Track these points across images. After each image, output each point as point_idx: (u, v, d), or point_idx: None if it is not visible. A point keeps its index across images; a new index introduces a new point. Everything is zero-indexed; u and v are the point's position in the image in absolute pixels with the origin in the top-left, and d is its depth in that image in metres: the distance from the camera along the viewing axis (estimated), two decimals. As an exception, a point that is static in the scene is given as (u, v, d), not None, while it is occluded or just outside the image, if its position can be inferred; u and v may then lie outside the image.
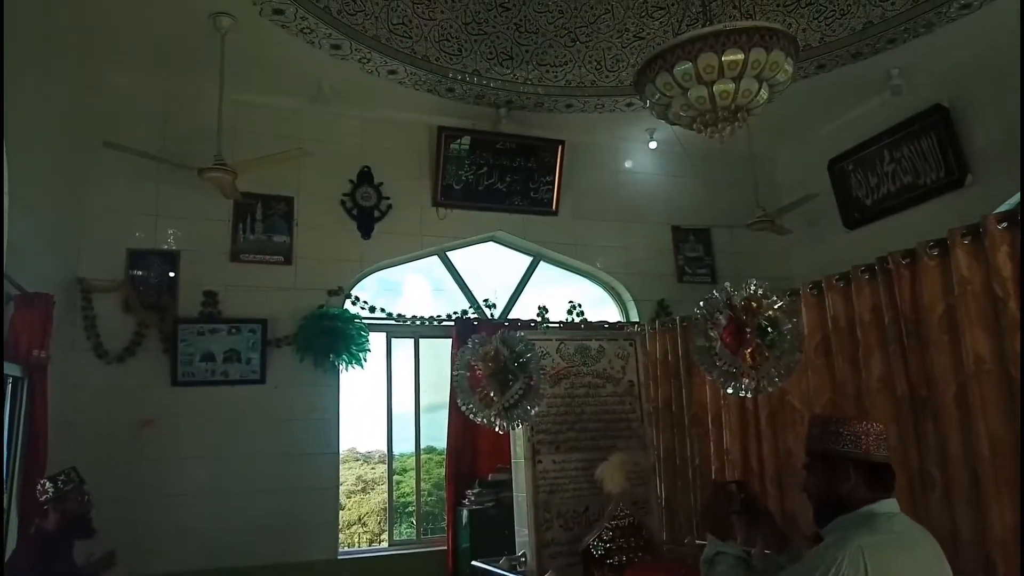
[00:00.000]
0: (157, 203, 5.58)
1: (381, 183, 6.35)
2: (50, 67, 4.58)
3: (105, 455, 4.89)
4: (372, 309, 6.11)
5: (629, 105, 6.34)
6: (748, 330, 3.20)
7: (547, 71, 6.18)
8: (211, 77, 5.05)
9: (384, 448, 6.32)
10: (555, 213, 6.92)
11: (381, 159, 6.40)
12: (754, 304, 3.19)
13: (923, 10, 5.12)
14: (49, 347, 4.13)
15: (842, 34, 5.55)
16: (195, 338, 5.44)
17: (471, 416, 3.66)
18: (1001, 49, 5.28)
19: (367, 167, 6.35)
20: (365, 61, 5.55)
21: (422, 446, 6.37)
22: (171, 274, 5.51)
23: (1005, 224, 2.98)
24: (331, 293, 5.95)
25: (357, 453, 9.14)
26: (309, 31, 5.11)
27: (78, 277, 5.21)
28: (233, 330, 5.54)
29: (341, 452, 5.95)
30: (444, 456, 6.26)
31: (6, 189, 3.72)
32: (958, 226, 3.15)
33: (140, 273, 5.43)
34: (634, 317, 6.99)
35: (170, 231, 5.60)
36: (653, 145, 7.08)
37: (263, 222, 5.86)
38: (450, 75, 5.90)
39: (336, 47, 5.33)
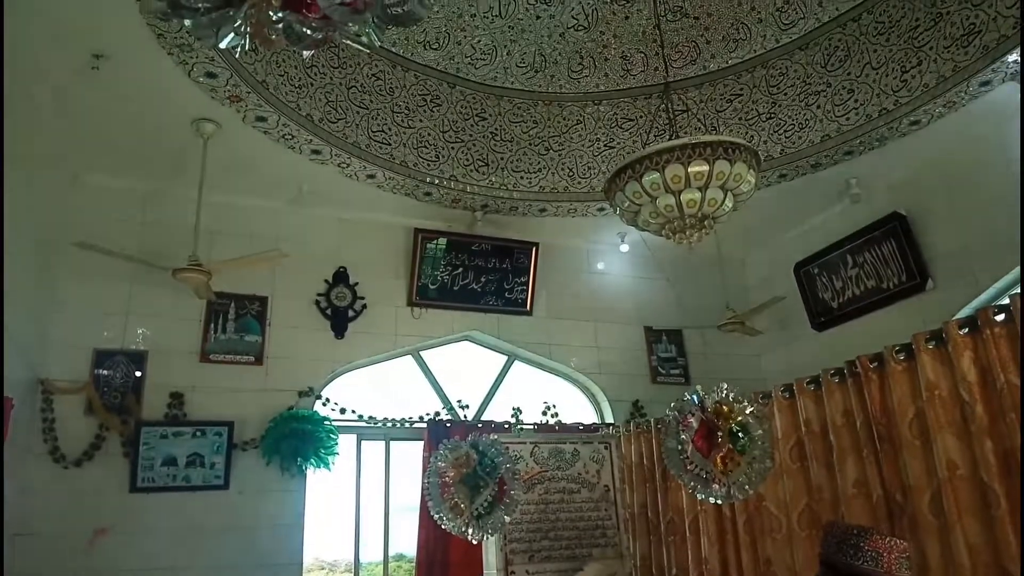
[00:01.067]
0: (128, 302, 5.54)
1: (356, 283, 6.38)
2: (28, 167, 4.63)
3: (60, 567, 4.62)
4: (343, 411, 5.99)
5: (601, 210, 6.53)
6: (720, 434, 3.19)
7: (521, 177, 6.38)
8: (190, 179, 5.14)
9: (351, 556, 6.04)
10: (529, 313, 6.97)
11: (357, 259, 6.46)
12: (725, 408, 3.19)
13: (876, 125, 5.43)
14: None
15: (801, 146, 5.84)
16: (158, 441, 5.26)
17: (442, 525, 3.54)
18: (953, 161, 5.58)
19: (343, 268, 6.40)
20: (344, 166, 5.70)
21: (391, 552, 6.10)
22: (137, 374, 5.39)
23: (966, 330, 3.05)
24: (301, 394, 5.84)
25: (322, 562, 8.71)
26: (290, 137, 5.26)
27: (40, 378, 5.07)
28: (198, 433, 5.38)
29: (305, 562, 5.68)
30: (414, 566, 6.00)
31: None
32: (922, 331, 3.22)
33: (106, 373, 5.31)
34: (609, 418, 6.93)
35: (139, 331, 5.52)
36: (624, 248, 7.25)
37: (235, 321, 5.82)
38: (428, 180, 6.06)
39: (316, 152, 5.48)
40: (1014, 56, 4.56)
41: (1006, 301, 3.04)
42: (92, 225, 5.38)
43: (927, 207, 5.91)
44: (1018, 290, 4.67)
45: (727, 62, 5.90)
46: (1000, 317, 3.00)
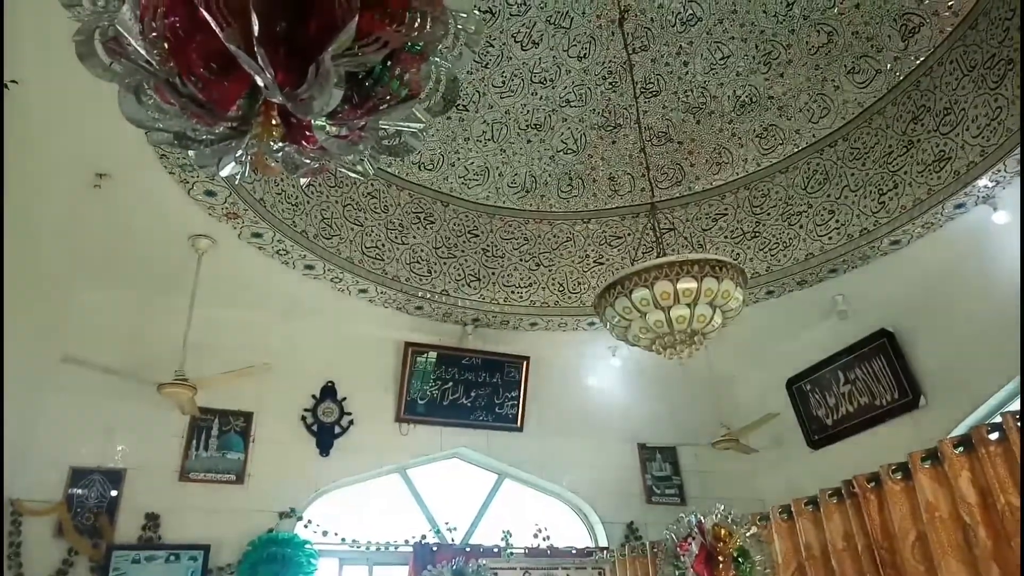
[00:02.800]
0: (109, 417, 5.41)
1: (344, 398, 6.29)
2: (20, 281, 4.65)
3: None
4: (324, 533, 5.74)
5: (591, 324, 6.56)
6: (720, 559, 3.07)
7: (513, 291, 6.45)
8: (182, 292, 5.16)
9: None
10: (520, 429, 6.84)
11: (346, 373, 6.40)
12: (724, 531, 3.09)
13: (858, 244, 5.58)
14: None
15: (786, 264, 5.97)
16: (129, 566, 5.00)
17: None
18: (935, 279, 5.69)
19: (331, 382, 6.32)
20: (337, 281, 5.76)
21: None
22: (113, 493, 5.20)
23: (961, 449, 3.01)
24: (282, 516, 5.62)
25: None
26: (285, 252, 5.34)
27: (11, 499, 4.87)
28: (172, 557, 5.12)
29: None
30: None
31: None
32: (917, 450, 3.18)
33: (80, 492, 5.12)
34: (603, 541, 6.66)
35: (119, 447, 5.37)
36: (616, 363, 7.23)
37: (218, 438, 5.68)
38: (419, 294, 6.12)
39: (310, 267, 5.55)
40: (984, 180, 4.76)
41: (999, 419, 3.02)
42: (80, 336, 5.35)
43: (914, 324, 5.97)
44: (1010, 407, 4.64)
45: (711, 183, 6.14)
46: (994, 436, 2.97)
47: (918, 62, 5.04)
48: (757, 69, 5.56)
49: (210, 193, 4.65)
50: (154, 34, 1.07)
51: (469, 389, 6.75)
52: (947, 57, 4.87)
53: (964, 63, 4.75)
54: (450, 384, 6.69)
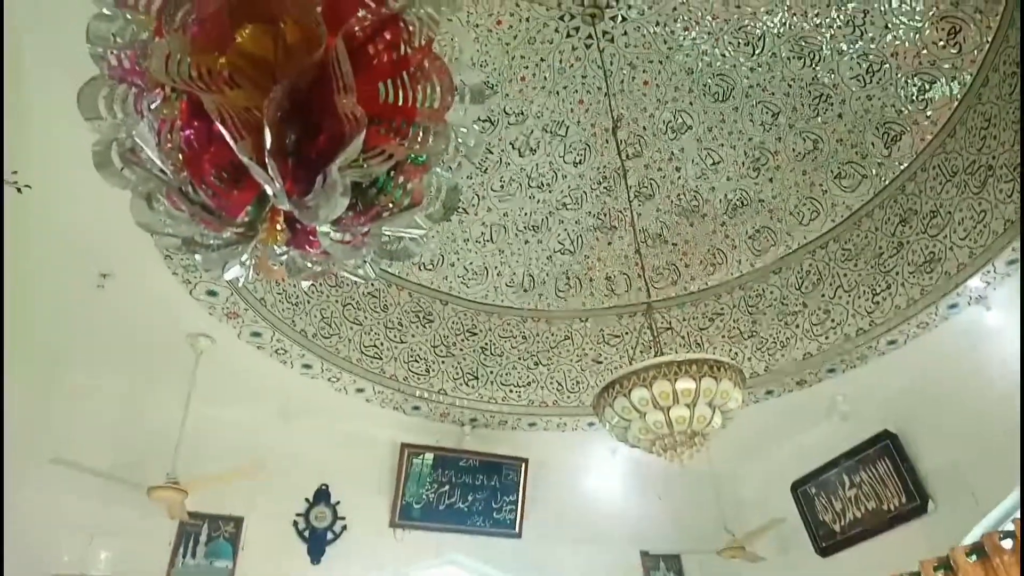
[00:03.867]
0: (93, 520, 5.22)
1: (338, 502, 6.11)
2: (10, 375, 4.61)
3: None
4: (313, 648, 5.45)
5: (591, 424, 6.47)
6: None
7: (511, 391, 6.41)
8: (177, 390, 5.11)
9: None
10: (519, 535, 6.62)
11: (340, 475, 6.25)
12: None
13: (855, 344, 5.60)
14: None
15: (785, 363, 5.97)
16: None
17: None
18: (934, 379, 5.67)
19: (325, 485, 6.16)
20: (335, 380, 5.73)
21: None
22: (92, 604, 4.96)
23: (974, 557, 2.92)
24: (270, 628, 5.35)
25: None
26: (283, 351, 5.34)
27: (-17, 610, 4.64)
28: (150, 674, 4.84)
29: None
30: None
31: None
32: (929, 558, 3.08)
33: (57, 603, 4.88)
34: (606, 658, 6.32)
35: (103, 554, 5.16)
36: (617, 464, 7.08)
37: (206, 545, 5.47)
38: (417, 393, 6.07)
39: (307, 367, 5.53)
40: (975, 281, 4.83)
41: (1011, 527, 2.94)
42: (69, 433, 5.24)
43: (916, 425, 5.90)
44: (1019, 514, 4.53)
45: (706, 284, 6.22)
46: (1007, 543, 2.89)
47: (902, 168, 5.22)
48: (747, 174, 5.76)
49: (212, 293, 4.70)
50: (169, 145, 1.12)
51: (466, 493, 6.57)
52: (929, 163, 5.05)
53: (946, 169, 4.92)
54: (447, 487, 6.53)
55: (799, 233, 5.79)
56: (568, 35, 5.12)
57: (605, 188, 6.00)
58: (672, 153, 5.78)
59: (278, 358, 5.40)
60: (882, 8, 4.66)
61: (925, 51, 4.73)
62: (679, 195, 5.97)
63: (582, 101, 5.53)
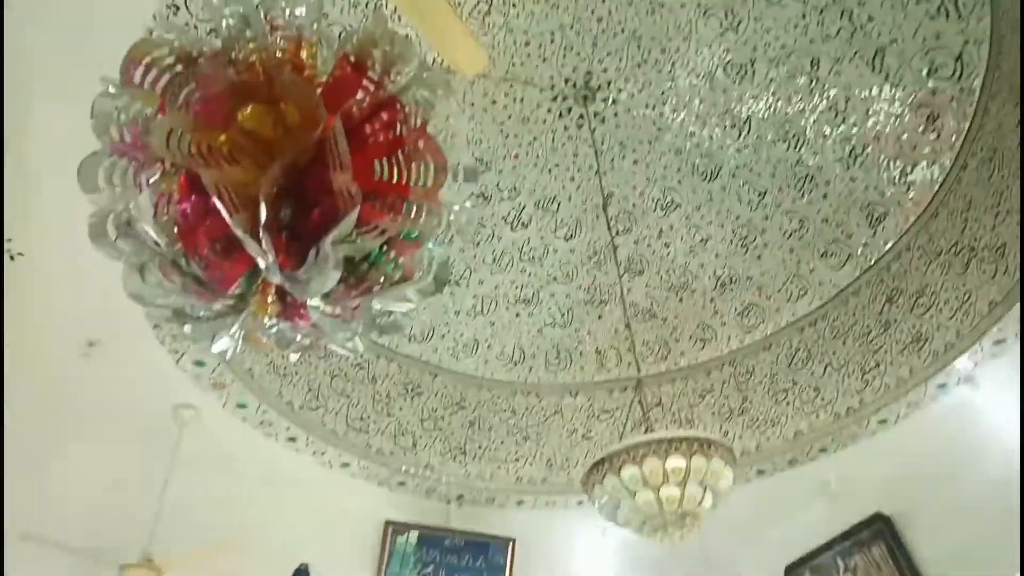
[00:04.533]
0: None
1: (318, 582, 5.89)
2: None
3: None
4: None
5: (580, 503, 6.33)
6: None
7: (499, 467, 6.29)
8: (157, 463, 4.99)
9: None
10: (505, 622, 6.38)
11: (322, 553, 6.02)
12: None
13: (845, 423, 5.56)
14: None
15: (776, 442, 5.91)
16: None
17: None
18: (927, 459, 5.59)
19: (305, 564, 5.94)
20: (320, 453, 5.62)
21: None
22: None
23: (976, 648, 2.82)
24: None
25: None
26: (268, 424, 5.26)
27: None
28: None
29: None
30: None
31: None
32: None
33: None
34: None
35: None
36: (608, 545, 6.89)
37: (178, 627, 5.23)
38: (403, 469, 5.95)
39: (292, 439, 5.44)
40: (963, 361, 4.85)
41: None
42: (44, 507, 5.07)
43: (910, 508, 5.78)
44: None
45: (696, 360, 6.21)
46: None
47: (887, 247, 5.32)
48: (735, 251, 5.84)
49: (199, 363, 4.66)
50: (165, 218, 1.14)
51: (451, 574, 6.36)
52: (914, 243, 5.15)
53: (930, 250, 5.02)
54: (431, 568, 6.31)
55: (787, 310, 5.84)
56: (560, 115, 5.28)
57: (595, 263, 6.06)
58: (661, 230, 5.87)
59: (263, 430, 5.31)
60: (862, 95, 4.84)
61: (905, 136, 4.90)
62: (668, 271, 6.04)
63: (573, 178, 5.66)
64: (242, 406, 5.07)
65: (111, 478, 5.56)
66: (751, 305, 5.97)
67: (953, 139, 4.72)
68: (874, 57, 4.64)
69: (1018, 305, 4.41)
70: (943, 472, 5.50)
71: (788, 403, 5.87)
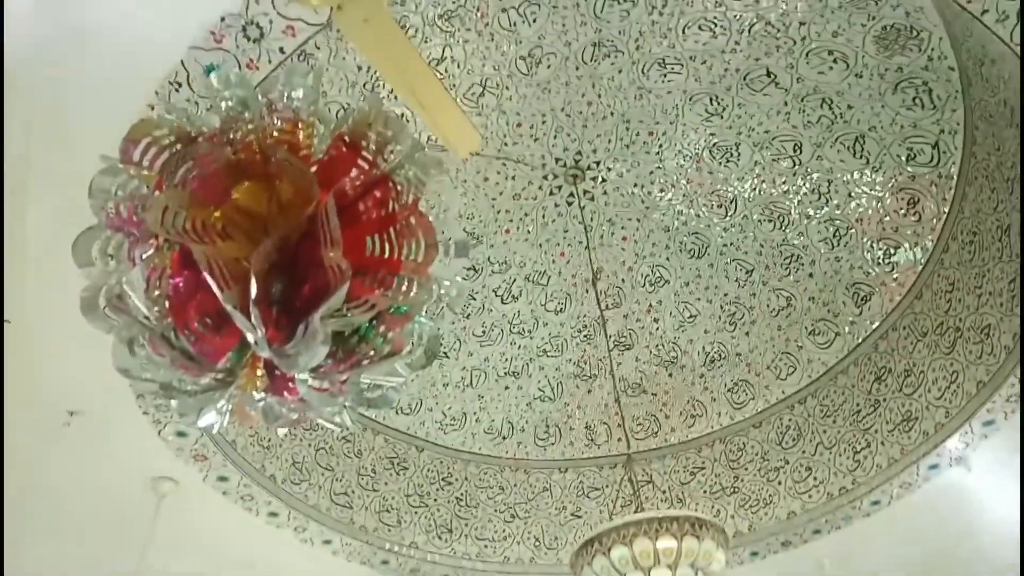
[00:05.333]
0: None
1: (294, 668, 5.63)
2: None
3: None
4: None
5: (569, 586, 6.14)
6: None
7: (486, 546, 6.12)
8: (133, 535, 4.83)
9: None
10: None
11: (299, 638, 5.79)
12: None
13: (839, 504, 5.47)
14: None
15: (769, 522, 5.79)
16: None
17: None
18: (922, 541, 5.48)
19: (282, 648, 5.70)
20: (301, 530, 5.45)
21: None
22: None
23: None
24: None
25: None
26: (250, 498, 5.12)
27: None
28: None
29: None
30: None
31: None
32: None
33: None
34: None
35: None
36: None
37: None
38: (387, 547, 5.78)
39: (274, 515, 5.28)
40: (954, 442, 4.83)
41: None
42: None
43: (908, 591, 5.66)
44: None
45: (687, 436, 6.15)
46: None
47: (873, 327, 5.37)
48: (724, 328, 5.88)
49: (181, 434, 4.57)
50: (157, 292, 1.15)
51: (434, 663, 6.09)
52: (900, 323, 5.20)
53: (916, 329, 5.06)
54: (413, 654, 6.05)
55: (777, 388, 5.83)
56: (551, 193, 5.39)
57: (585, 336, 6.07)
58: (650, 305, 5.92)
59: (243, 504, 5.16)
60: (844, 179, 4.99)
61: (888, 218, 5.02)
62: (658, 346, 6.05)
63: (563, 253, 5.73)
64: (223, 479, 4.94)
65: (86, 554, 5.38)
66: (740, 382, 5.96)
67: (934, 222, 4.84)
68: (854, 143, 4.81)
69: (1007, 386, 4.43)
70: (937, 555, 5.40)
71: (780, 482, 5.78)
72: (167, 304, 1.14)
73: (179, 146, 1.16)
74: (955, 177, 4.59)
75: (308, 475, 5.41)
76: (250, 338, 1.15)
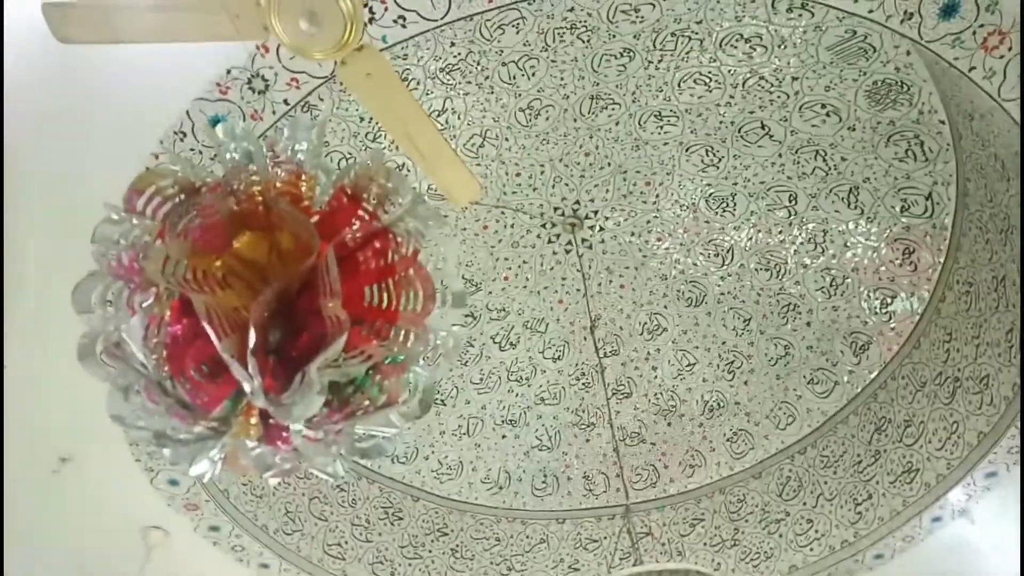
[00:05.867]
0: None
1: None
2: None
3: None
4: None
5: (567, 642, 5.99)
6: None
7: (481, 601, 5.98)
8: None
9: None
10: None
11: None
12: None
13: (841, 557, 5.37)
14: None
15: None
16: None
17: None
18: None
19: None
20: (292, 581, 5.34)
21: None
22: None
23: None
24: None
25: None
26: (241, 548, 5.02)
27: None
28: None
29: None
30: None
31: None
32: None
33: None
34: None
35: None
36: None
37: None
38: (379, 600, 5.65)
39: (265, 566, 5.18)
40: (956, 494, 4.77)
41: None
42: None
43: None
44: None
45: (686, 487, 6.07)
46: None
47: (872, 376, 5.34)
48: (722, 376, 5.86)
49: (173, 482, 4.51)
50: (155, 340, 1.15)
51: None
52: (899, 372, 5.18)
53: (915, 379, 5.04)
54: None
55: (776, 437, 5.77)
56: (549, 241, 5.43)
57: (583, 384, 6.04)
58: (649, 353, 5.91)
59: (234, 555, 5.07)
60: (840, 229, 5.04)
61: (884, 268, 5.05)
62: (656, 394, 6.02)
63: (561, 301, 5.75)
64: (215, 529, 4.86)
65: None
66: (740, 431, 5.91)
67: (930, 272, 4.86)
68: (849, 194, 4.87)
69: (1007, 437, 4.39)
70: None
71: (781, 535, 5.68)
72: (164, 352, 1.14)
73: (182, 196, 1.18)
74: (949, 228, 4.63)
75: (301, 525, 5.31)
76: (246, 387, 1.15)
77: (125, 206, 1.15)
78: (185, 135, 3.04)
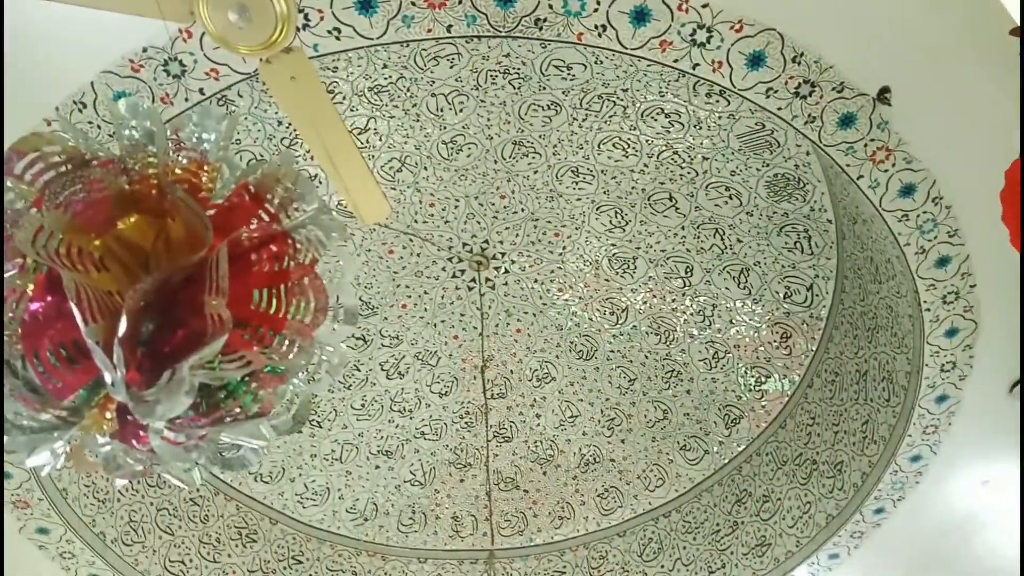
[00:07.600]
0: None
1: None
2: None
3: None
4: None
5: None
6: None
7: (328, 635, 5.72)
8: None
9: None
10: None
11: None
12: None
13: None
14: None
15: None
16: None
17: None
18: None
19: None
20: (124, 597, 4.93)
21: None
22: None
23: None
24: None
25: None
26: (70, 556, 4.61)
27: None
28: None
29: None
30: None
31: None
32: None
33: None
34: None
35: None
36: None
37: None
38: (218, 626, 5.30)
39: (95, 577, 4.77)
40: (802, 572, 5.02)
41: None
42: None
43: None
44: None
45: (552, 537, 6.10)
46: None
47: (740, 449, 5.60)
48: (601, 432, 5.97)
49: (5, 475, 4.10)
50: (11, 315, 1.06)
51: None
52: (763, 449, 5.45)
53: (777, 457, 5.32)
54: None
55: (645, 498, 5.92)
56: (454, 276, 5.43)
57: (466, 423, 6.00)
58: (535, 400, 5.95)
59: (61, 562, 4.63)
60: (728, 306, 5.30)
61: (762, 348, 5.34)
62: (536, 442, 6.06)
63: (457, 336, 5.73)
64: (43, 531, 4.44)
65: None
66: (611, 488, 6.02)
67: (803, 358, 5.18)
68: (740, 274, 5.15)
69: (852, 522, 4.68)
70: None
71: (636, 595, 5.79)
72: (20, 329, 1.05)
73: (69, 166, 1.10)
74: (824, 319, 4.97)
75: (144, 536, 4.94)
76: (107, 377, 1.07)
77: (4, 167, 1.07)
78: (85, 106, 2.86)
